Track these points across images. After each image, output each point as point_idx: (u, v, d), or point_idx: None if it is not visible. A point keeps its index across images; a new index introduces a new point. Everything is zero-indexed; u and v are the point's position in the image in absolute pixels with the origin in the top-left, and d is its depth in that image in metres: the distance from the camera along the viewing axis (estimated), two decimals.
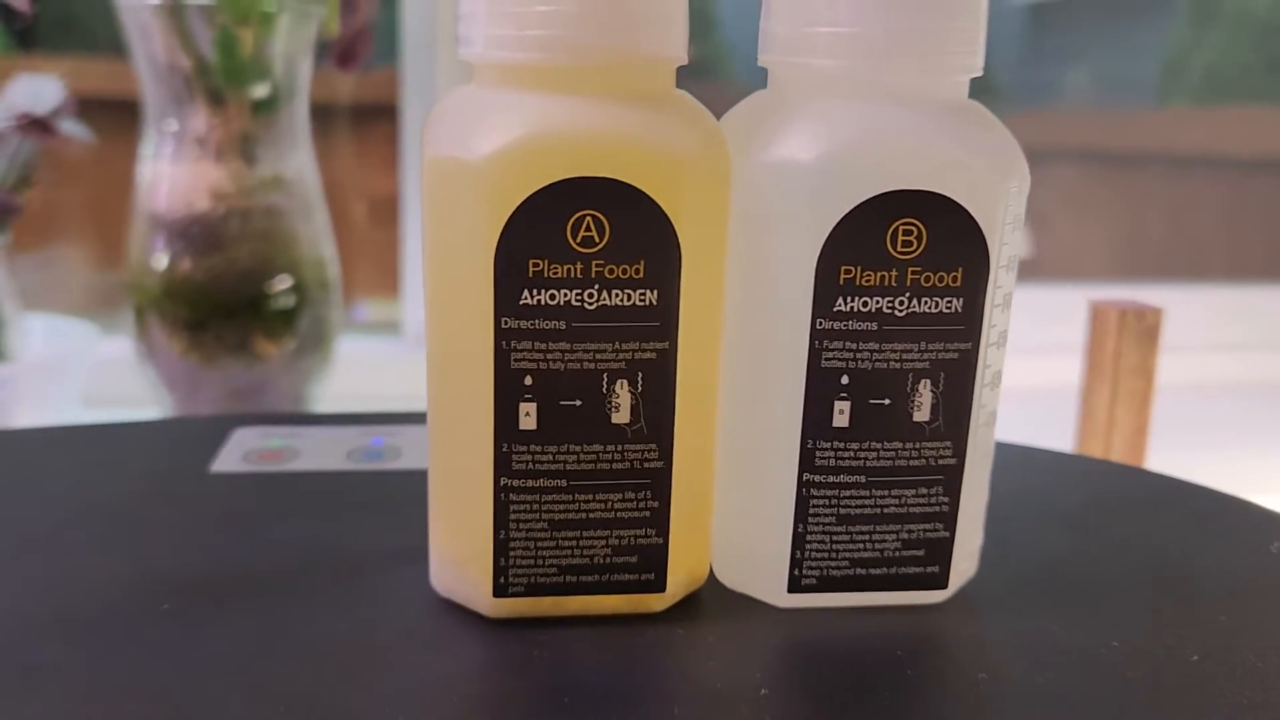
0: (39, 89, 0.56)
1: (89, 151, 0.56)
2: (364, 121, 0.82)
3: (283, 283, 0.53)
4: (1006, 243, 0.24)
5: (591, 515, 0.24)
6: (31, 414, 0.54)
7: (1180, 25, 1.05)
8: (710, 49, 0.91)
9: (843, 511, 0.25)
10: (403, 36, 0.73)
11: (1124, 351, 0.44)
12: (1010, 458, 0.36)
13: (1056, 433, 0.51)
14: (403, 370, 0.73)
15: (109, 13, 0.51)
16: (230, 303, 0.53)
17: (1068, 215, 1.00)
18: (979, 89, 0.25)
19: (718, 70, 0.92)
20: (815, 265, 0.23)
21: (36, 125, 0.54)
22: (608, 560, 0.25)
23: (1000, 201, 0.24)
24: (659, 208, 0.23)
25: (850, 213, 0.23)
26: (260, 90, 0.52)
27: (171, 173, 0.52)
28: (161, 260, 0.52)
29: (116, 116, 0.61)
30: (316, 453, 0.34)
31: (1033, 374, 0.70)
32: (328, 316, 0.56)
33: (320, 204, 0.56)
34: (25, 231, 0.59)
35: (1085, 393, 0.46)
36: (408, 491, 0.31)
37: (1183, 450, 0.58)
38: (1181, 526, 0.32)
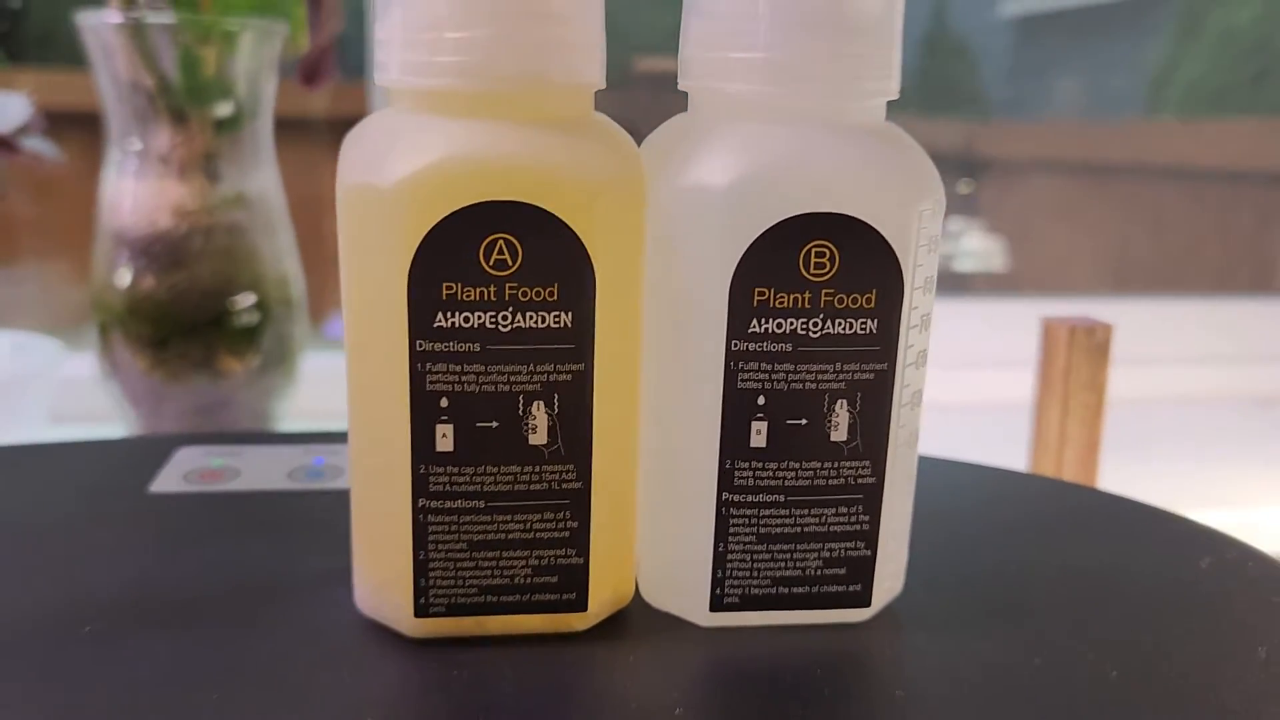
0: (3, 106, 0.56)
1: (62, 167, 0.56)
2: (338, 136, 0.83)
3: (245, 300, 0.54)
4: (921, 264, 0.25)
5: (510, 536, 0.25)
6: None
7: (1166, 39, 1.06)
8: None
9: (763, 530, 0.25)
10: (372, 50, 0.74)
11: (1074, 367, 0.45)
12: (948, 475, 0.36)
13: (1016, 448, 0.51)
14: None
15: None
16: (193, 320, 0.53)
17: (1054, 228, 1.01)
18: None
19: None
20: (729, 287, 0.24)
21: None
22: (528, 580, 0.25)
23: (913, 223, 0.24)
24: (571, 231, 0.23)
25: (762, 235, 0.23)
26: (223, 109, 0.52)
27: (135, 190, 0.53)
28: (125, 277, 0.52)
29: (98, 131, 0.62)
30: (257, 472, 0.34)
31: (1017, 387, 0.70)
32: (291, 333, 0.56)
33: (284, 221, 0.56)
34: None
35: (1038, 408, 0.47)
36: (344, 511, 0.31)
37: (1138, 464, 0.58)
38: (1116, 543, 0.32)
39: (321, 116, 0.82)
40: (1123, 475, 0.51)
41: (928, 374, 0.26)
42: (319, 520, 0.31)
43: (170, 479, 0.33)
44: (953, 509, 0.33)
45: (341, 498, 0.32)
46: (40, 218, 0.78)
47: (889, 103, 0.25)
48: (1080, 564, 0.31)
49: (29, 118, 0.56)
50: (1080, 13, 1.08)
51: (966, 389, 0.79)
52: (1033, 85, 1.06)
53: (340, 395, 0.25)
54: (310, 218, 0.59)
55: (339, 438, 0.37)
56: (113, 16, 0.50)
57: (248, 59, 0.52)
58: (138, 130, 0.52)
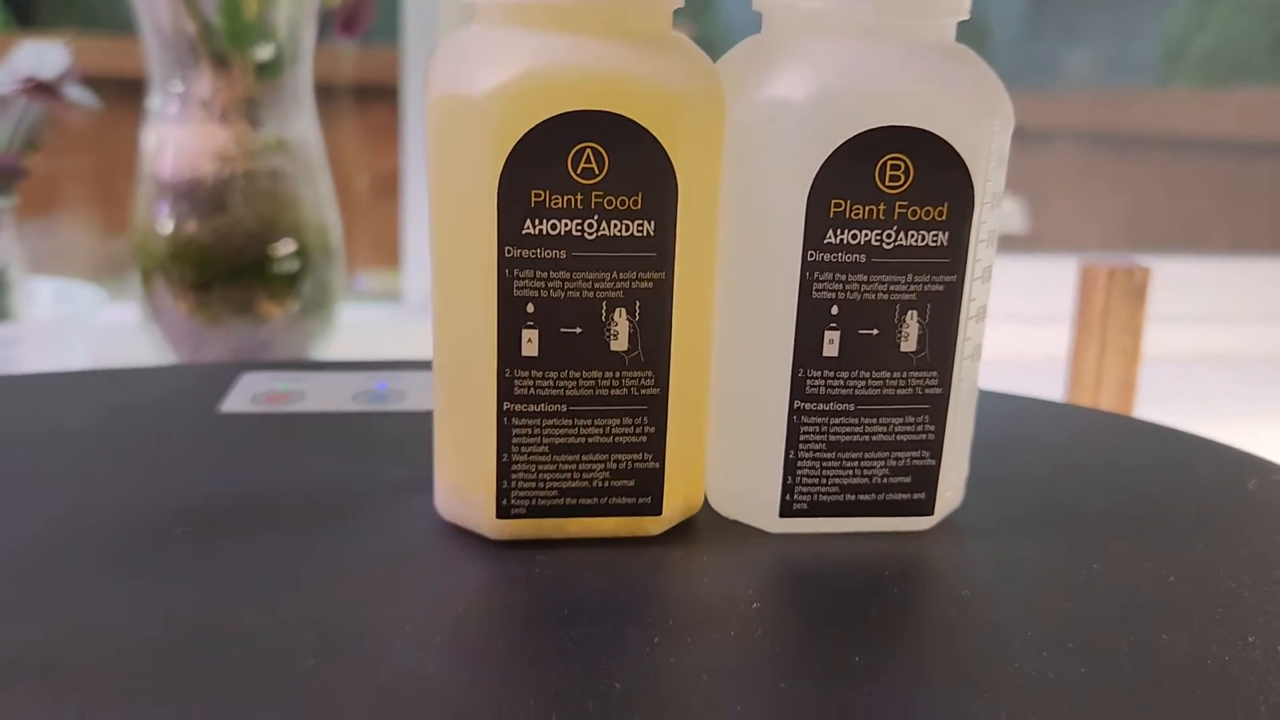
0: (44, 54, 0.56)
1: (91, 122, 0.57)
2: (367, 100, 0.84)
3: (286, 246, 0.54)
4: (990, 180, 0.25)
5: (590, 439, 0.25)
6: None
7: (1184, 6, 1.05)
8: (709, 29, 0.92)
9: (832, 438, 0.26)
10: (404, 17, 0.74)
11: (1112, 309, 0.45)
12: (1005, 405, 0.37)
13: (1051, 394, 0.52)
14: (403, 335, 0.75)
15: None
16: (235, 263, 0.54)
17: (1068, 193, 1.01)
18: None
19: (716, 50, 0.93)
20: (806, 199, 0.24)
21: (42, 89, 0.55)
22: (606, 484, 0.26)
23: (984, 139, 0.25)
24: (657, 141, 0.23)
25: (839, 148, 0.24)
26: (264, 53, 0.53)
27: (176, 136, 0.53)
28: (167, 224, 0.53)
29: (117, 92, 0.62)
30: (323, 395, 0.35)
31: (1035, 341, 0.71)
32: (330, 280, 0.57)
33: (323, 169, 0.56)
34: (32, 199, 0.60)
35: (1075, 350, 0.47)
36: (412, 430, 0.32)
37: (1173, 414, 0.59)
38: (1166, 467, 0.33)
39: (350, 83, 0.82)
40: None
41: None
42: (388, 438, 0.32)
43: (239, 400, 0.34)
44: (1011, 434, 0.34)
45: (407, 419, 0.33)
46: (71, 172, 0.79)
47: None
48: (1132, 484, 0.31)
49: (68, 66, 0.57)
50: None
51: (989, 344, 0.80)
52: (1048, 53, 1.06)
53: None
54: (340, 180, 0.60)
55: (399, 365, 0.38)
56: None
57: (289, 3, 0.53)
58: (179, 75, 0.53)
